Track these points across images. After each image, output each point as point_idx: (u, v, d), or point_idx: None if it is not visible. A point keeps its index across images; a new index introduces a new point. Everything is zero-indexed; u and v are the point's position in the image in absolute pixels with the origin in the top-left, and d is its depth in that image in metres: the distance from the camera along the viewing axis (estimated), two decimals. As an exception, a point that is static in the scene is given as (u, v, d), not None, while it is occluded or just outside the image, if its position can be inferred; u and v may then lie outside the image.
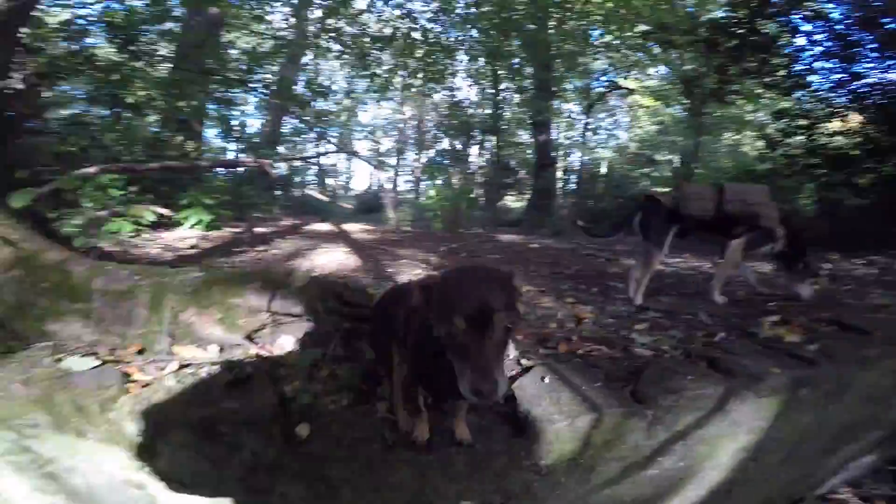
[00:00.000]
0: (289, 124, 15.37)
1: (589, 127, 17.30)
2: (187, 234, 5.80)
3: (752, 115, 13.29)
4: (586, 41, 12.70)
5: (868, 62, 8.05)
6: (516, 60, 13.78)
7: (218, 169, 9.08)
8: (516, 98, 15.90)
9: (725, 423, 1.96)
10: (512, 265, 4.10)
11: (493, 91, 14.85)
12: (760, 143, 11.98)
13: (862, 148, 8.15)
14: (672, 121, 15.57)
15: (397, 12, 12.34)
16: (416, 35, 12.34)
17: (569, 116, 17.95)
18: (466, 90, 17.73)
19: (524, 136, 18.39)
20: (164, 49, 8.77)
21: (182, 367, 1.84)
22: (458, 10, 12.55)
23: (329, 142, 17.51)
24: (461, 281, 1.16)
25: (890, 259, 5.28)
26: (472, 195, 11.91)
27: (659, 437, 1.81)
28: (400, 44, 12.03)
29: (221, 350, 2.06)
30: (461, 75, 15.99)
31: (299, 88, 12.83)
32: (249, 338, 2.13)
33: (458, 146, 19.16)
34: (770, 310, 3.15)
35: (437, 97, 17.80)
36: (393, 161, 25.44)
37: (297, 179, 19.52)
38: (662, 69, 13.89)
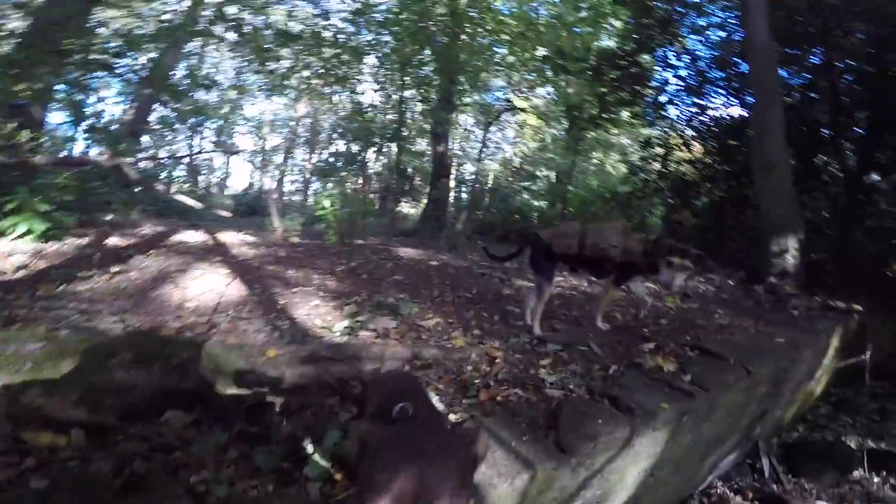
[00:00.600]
0: (160, 114, 13.59)
1: (481, 140, 18.05)
2: (14, 247, 4.64)
3: (616, 139, 14.96)
4: (491, 59, 13.23)
5: (715, 97, 9.49)
6: (424, 70, 13.87)
7: (62, 165, 7.60)
8: (420, 107, 16.00)
9: (630, 455, 2.18)
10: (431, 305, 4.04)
11: (399, 98, 14.72)
12: (623, 166, 13.57)
13: (701, 174, 9.61)
14: (552, 140, 16.89)
15: (311, 9, 11.61)
16: (327, 35, 11.75)
17: (465, 129, 18.52)
18: (371, 95, 17.37)
19: (423, 145, 18.54)
20: (18, 23, 7.18)
21: (38, 466, 1.47)
22: (375, 15, 12.21)
23: (204, 136, 15.84)
24: (393, 454, 0.84)
25: (722, 277, 6.27)
26: (371, 206, 11.65)
27: (581, 476, 1.95)
28: (307, 41, 11.34)
29: (88, 437, 1.67)
30: (367, 79, 15.64)
31: (178, 77, 11.41)
32: (125, 419, 1.77)
33: (356, 150, 18.65)
34: (647, 336, 3.56)
35: (337, 98, 17.16)
36: (279, 160, 23.89)
37: (163, 177, 17.34)
38: (551, 91, 15.01)
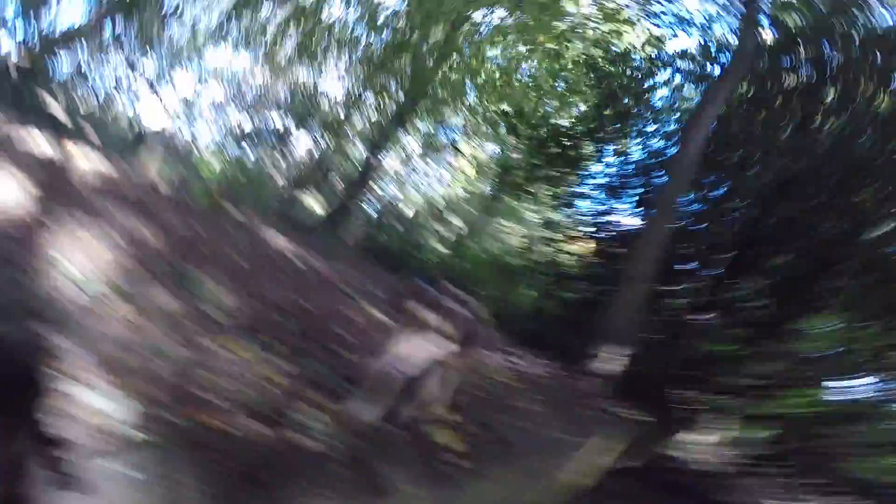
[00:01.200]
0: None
1: (417, 170, 18.01)
2: None
3: (526, 214, 15.60)
4: (459, 96, 13.37)
5: (623, 204, 9.94)
6: (392, 83, 13.71)
7: None
8: (373, 114, 15.68)
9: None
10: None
11: (356, 95, 14.27)
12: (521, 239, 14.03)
13: (578, 270, 9.98)
14: (476, 193, 17.22)
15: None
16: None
17: (406, 153, 18.29)
18: (330, 82, 16.71)
19: (357, 151, 18.09)
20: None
21: None
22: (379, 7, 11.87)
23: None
24: None
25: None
26: (265, 182, 10.85)
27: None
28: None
29: None
30: (334, 62, 15.10)
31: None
32: None
33: (288, 126, 17.63)
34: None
35: (295, 72, 16.31)
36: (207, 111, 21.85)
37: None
38: (496, 150, 15.43)
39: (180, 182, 8.18)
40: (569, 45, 10.76)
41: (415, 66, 12.00)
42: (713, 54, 8.51)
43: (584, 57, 10.56)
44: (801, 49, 7.17)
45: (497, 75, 12.43)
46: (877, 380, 6.74)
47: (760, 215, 7.46)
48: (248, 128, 18.78)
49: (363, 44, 13.12)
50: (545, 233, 11.39)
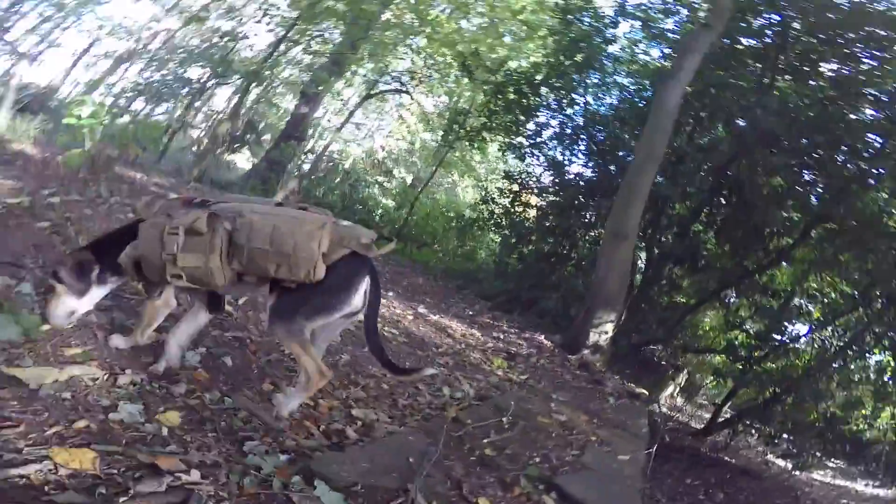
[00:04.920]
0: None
1: (353, 120, 15.95)
2: None
3: (479, 165, 14.34)
4: (405, 39, 11.40)
5: (579, 157, 8.97)
6: (329, 23, 11.32)
7: None
8: (303, 59, 13.26)
9: None
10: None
11: (282, 36, 11.65)
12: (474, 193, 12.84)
13: (537, 223, 9.06)
14: (420, 146, 15.63)
15: None
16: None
17: (343, 102, 15.99)
18: (251, 24, 13.77)
19: (287, 101, 15.65)
20: None
21: None
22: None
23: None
24: None
25: (539, 340, 5.44)
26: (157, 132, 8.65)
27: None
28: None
29: None
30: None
31: None
32: None
33: (200, 78, 14.67)
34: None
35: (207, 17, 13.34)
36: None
37: None
38: (444, 100, 13.71)
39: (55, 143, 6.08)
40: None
41: (352, 5, 9.91)
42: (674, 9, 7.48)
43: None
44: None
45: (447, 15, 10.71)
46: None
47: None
48: (154, 81, 15.52)
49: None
50: (500, 184, 10.30)
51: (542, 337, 5.27)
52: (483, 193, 10.12)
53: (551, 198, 9.09)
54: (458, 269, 9.94)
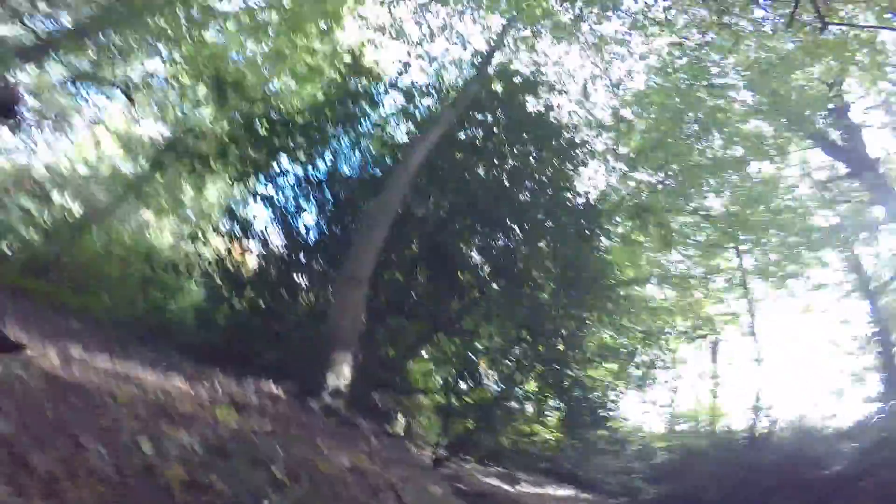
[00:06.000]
0: None
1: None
2: None
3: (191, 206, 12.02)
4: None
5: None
6: None
7: None
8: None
9: None
10: None
11: None
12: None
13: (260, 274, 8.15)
14: (112, 170, 11.98)
15: None
16: None
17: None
18: None
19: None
20: None
21: None
22: None
23: None
24: None
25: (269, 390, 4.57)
26: None
27: None
28: None
29: None
30: None
31: None
32: None
33: None
34: None
35: None
36: None
37: None
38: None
39: None
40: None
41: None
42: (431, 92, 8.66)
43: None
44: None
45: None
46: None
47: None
48: None
49: None
50: (209, 226, 8.82)
51: (271, 384, 4.41)
52: (194, 231, 8.33)
53: (276, 250, 8.35)
54: (139, 320, 7.66)
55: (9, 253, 8.22)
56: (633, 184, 10.58)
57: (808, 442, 7.75)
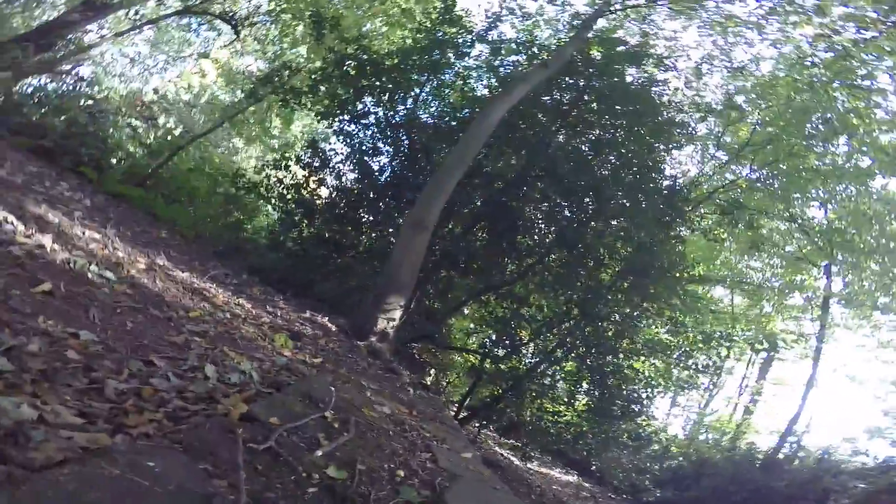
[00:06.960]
0: None
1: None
2: None
3: (277, 134, 12.49)
4: None
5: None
6: None
7: None
8: None
9: None
10: None
11: None
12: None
13: (321, 206, 8.42)
14: (211, 97, 12.60)
15: None
16: None
17: (135, 15, 11.47)
18: None
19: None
20: None
21: None
22: None
23: None
24: None
25: (323, 322, 4.78)
26: None
27: None
28: None
29: None
30: None
31: None
32: None
33: None
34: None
35: None
36: None
37: None
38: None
39: None
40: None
41: None
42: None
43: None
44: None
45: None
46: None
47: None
48: None
49: None
50: (292, 156, 9.08)
51: (326, 319, 4.61)
52: (277, 159, 8.66)
53: (349, 184, 8.53)
54: (218, 236, 8.27)
55: (115, 164, 8.97)
56: (730, 176, 9.53)
57: (822, 474, 7.54)
